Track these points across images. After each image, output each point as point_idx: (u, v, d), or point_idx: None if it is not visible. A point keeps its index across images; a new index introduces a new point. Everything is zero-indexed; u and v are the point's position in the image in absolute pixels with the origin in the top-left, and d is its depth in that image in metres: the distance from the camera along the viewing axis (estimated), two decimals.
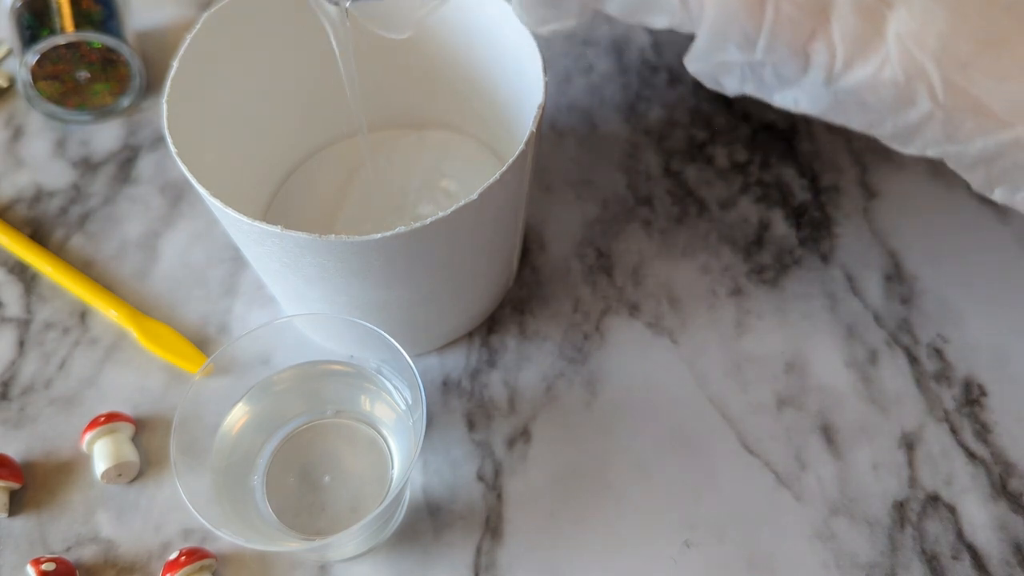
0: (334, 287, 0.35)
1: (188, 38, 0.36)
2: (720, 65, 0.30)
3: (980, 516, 0.37)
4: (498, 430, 0.39)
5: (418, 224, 0.31)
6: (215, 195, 0.32)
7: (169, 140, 0.34)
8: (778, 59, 0.29)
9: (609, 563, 0.36)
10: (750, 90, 0.30)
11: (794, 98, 0.30)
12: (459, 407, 0.39)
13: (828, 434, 0.39)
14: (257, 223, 0.31)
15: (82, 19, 0.46)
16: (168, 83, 0.35)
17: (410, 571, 0.36)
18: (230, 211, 0.31)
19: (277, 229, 0.31)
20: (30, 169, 0.47)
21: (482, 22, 0.38)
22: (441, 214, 0.31)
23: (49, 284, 0.43)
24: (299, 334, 0.40)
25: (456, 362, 0.41)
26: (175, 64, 0.35)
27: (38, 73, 0.46)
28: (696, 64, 0.31)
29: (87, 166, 0.47)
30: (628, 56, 0.50)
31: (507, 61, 0.38)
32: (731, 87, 0.30)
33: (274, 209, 0.44)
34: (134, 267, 0.44)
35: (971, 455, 0.38)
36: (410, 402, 0.35)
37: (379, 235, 0.30)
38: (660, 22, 0.30)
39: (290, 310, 0.41)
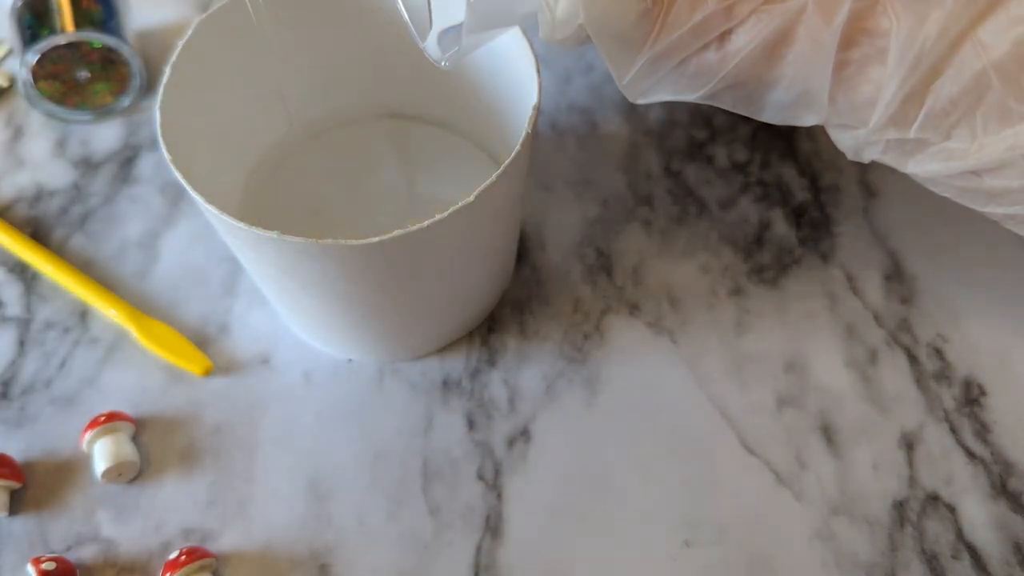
0: (331, 291, 0.35)
1: (180, 44, 0.36)
2: (869, 144, 0.32)
3: (980, 516, 0.37)
4: (498, 430, 0.39)
5: (414, 227, 0.30)
6: (210, 201, 0.32)
7: (163, 147, 0.33)
8: (925, 136, 0.31)
9: (609, 563, 0.36)
10: (888, 159, 0.32)
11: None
12: (459, 407, 0.39)
13: (828, 434, 0.39)
14: (254, 228, 0.31)
15: (82, 19, 0.46)
16: (161, 89, 0.35)
17: (410, 571, 0.36)
18: (226, 217, 0.31)
19: (275, 235, 0.31)
20: (30, 169, 0.47)
21: None
22: (438, 217, 0.31)
23: (49, 284, 0.43)
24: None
25: (456, 362, 0.41)
26: (167, 70, 0.35)
27: (38, 73, 0.46)
28: (847, 144, 0.33)
29: (87, 166, 0.47)
30: None
31: (501, 60, 0.38)
32: (870, 156, 0.32)
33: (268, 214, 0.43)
34: (134, 267, 0.44)
35: (971, 455, 0.38)
36: None
37: (376, 239, 0.30)
38: (811, 120, 0.32)
39: (286, 315, 0.41)
